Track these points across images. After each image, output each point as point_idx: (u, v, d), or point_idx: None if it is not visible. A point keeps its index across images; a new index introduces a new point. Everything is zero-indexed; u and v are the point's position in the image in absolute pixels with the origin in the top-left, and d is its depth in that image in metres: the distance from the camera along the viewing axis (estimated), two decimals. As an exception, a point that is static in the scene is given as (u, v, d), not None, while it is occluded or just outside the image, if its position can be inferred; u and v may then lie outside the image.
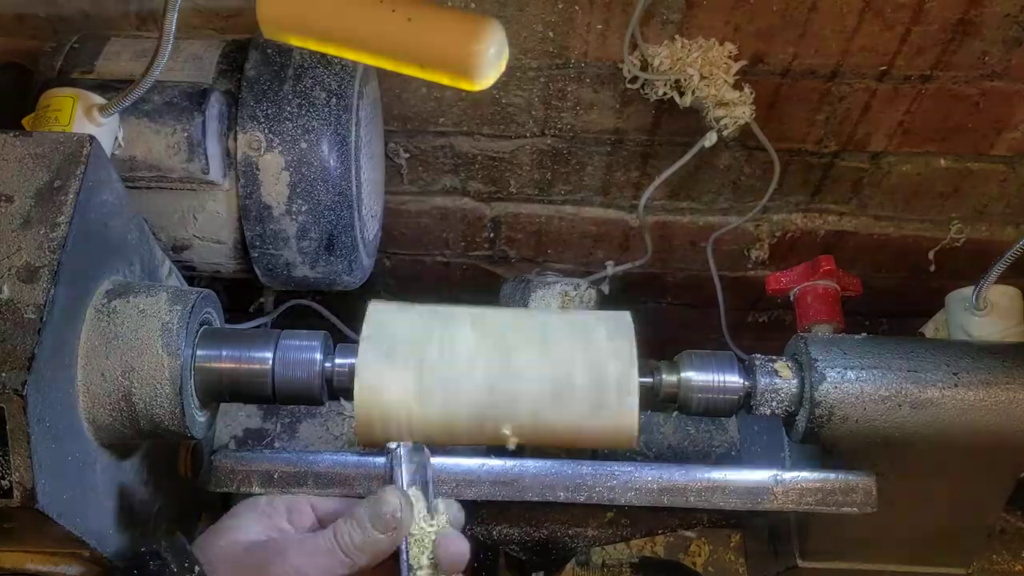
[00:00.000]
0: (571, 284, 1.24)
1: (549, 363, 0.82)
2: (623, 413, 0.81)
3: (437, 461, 0.81)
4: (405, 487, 0.74)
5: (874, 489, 0.83)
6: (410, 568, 0.71)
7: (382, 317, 0.83)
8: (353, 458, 0.81)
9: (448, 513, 0.75)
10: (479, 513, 0.99)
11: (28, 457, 0.68)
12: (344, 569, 0.70)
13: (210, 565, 0.70)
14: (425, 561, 0.72)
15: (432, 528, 0.73)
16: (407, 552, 0.71)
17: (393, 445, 0.77)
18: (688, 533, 1.31)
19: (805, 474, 0.84)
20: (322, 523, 0.77)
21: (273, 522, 0.75)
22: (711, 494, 0.82)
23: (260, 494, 0.82)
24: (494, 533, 0.99)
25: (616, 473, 0.85)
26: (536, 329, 0.86)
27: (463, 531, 0.75)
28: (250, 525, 0.74)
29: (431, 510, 0.74)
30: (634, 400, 0.80)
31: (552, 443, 0.82)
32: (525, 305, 1.22)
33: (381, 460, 0.81)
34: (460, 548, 0.72)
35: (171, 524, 1.00)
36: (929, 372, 0.86)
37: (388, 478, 0.75)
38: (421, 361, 0.81)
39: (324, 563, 0.70)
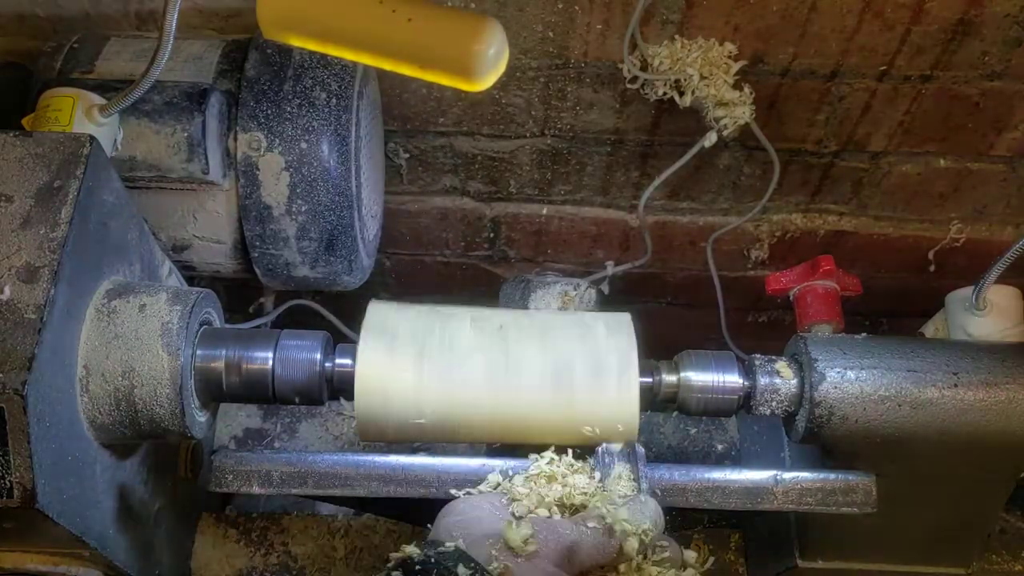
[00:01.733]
0: (571, 284, 1.24)
1: (549, 360, 0.83)
2: (623, 407, 0.81)
3: (437, 461, 0.81)
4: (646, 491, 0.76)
5: (874, 489, 0.83)
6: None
7: (382, 314, 0.84)
8: (353, 458, 0.81)
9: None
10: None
11: (28, 457, 0.68)
12: (606, 558, 0.68)
13: (481, 558, 0.65)
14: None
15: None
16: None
17: (622, 446, 0.80)
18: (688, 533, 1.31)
19: (805, 474, 0.84)
20: None
21: (503, 512, 0.72)
22: (711, 494, 0.82)
23: (260, 494, 0.82)
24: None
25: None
26: (536, 327, 0.86)
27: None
28: (483, 517, 0.71)
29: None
30: (634, 393, 0.81)
31: (552, 440, 0.82)
32: (525, 305, 1.22)
33: (379, 459, 0.81)
34: (674, 550, 0.73)
35: (171, 524, 1.00)
36: (929, 372, 0.86)
37: (637, 476, 0.78)
38: (422, 357, 0.81)
39: (597, 546, 0.68)
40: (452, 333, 0.83)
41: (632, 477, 0.78)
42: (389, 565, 0.64)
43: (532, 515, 0.72)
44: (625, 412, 0.81)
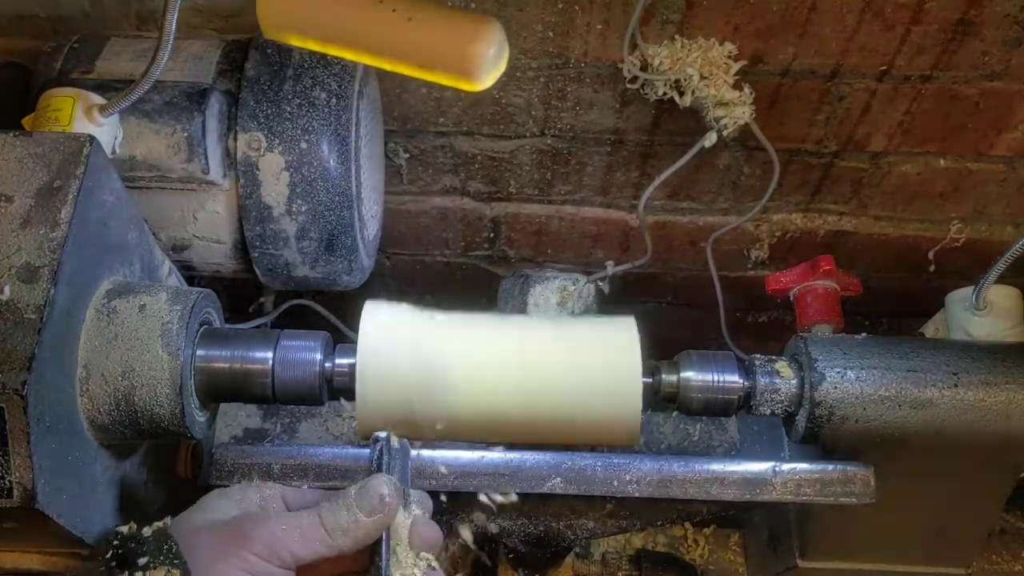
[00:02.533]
0: (570, 279, 1.24)
1: (551, 361, 0.83)
2: (626, 412, 0.81)
3: (438, 453, 0.81)
4: (390, 472, 0.75)
5: (872, 479, 0.84)
6: (392, 554, 0.71)
7: (381, 313, 0.84)
8: (352, 451, 0.81)
9: (421, 503, 0.76)
10: (479, 506, 0.99)
11: (28, 457, 0.68)
12: (325, 549, 0.69)
13: (184, 542, 0.68)
14: (402, 548, 0.72)
15: (408, 518, 0.74)
16: (388, 540, 0.72)
17: (382, 435, 0.77)
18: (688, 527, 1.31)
19: (803, 465, 0.84)
20: None
21: (244, 506, 0.75)
22: (710, 485, 0.82)
23: None
24: (494, 526, 1.00)
25: (615, 465, 0.85)
26: (538, 329, 0.86)
27: (434, 519, 0.76)
28: (221, 504, 0.74)
29: (407, 501, 0.75)
30: (637, 399, 0.81)
31: (553, 440, 0.82)
32: (524, 300, 1.22)
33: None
34: (434, 534, 0.74)
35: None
36: (929, 372, 0.86)
37: (375, 467, 0.76)
38: (422, 356, 0.81)
39: (306, 539, 0.69)
40: (454, 333, 0.84)
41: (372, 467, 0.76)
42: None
43: (251, 509, 0.73)
44: (627, 414, 0.81)
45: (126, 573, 0.66)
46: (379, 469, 0.75)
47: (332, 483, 0.81)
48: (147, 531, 0.69)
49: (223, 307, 0.90)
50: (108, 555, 0.68)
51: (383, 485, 0.72)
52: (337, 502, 0.71)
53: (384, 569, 0.70)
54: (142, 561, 0.66)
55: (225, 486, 0.85)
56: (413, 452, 0.82)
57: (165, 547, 0.67)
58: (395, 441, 0.78)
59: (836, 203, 1.33)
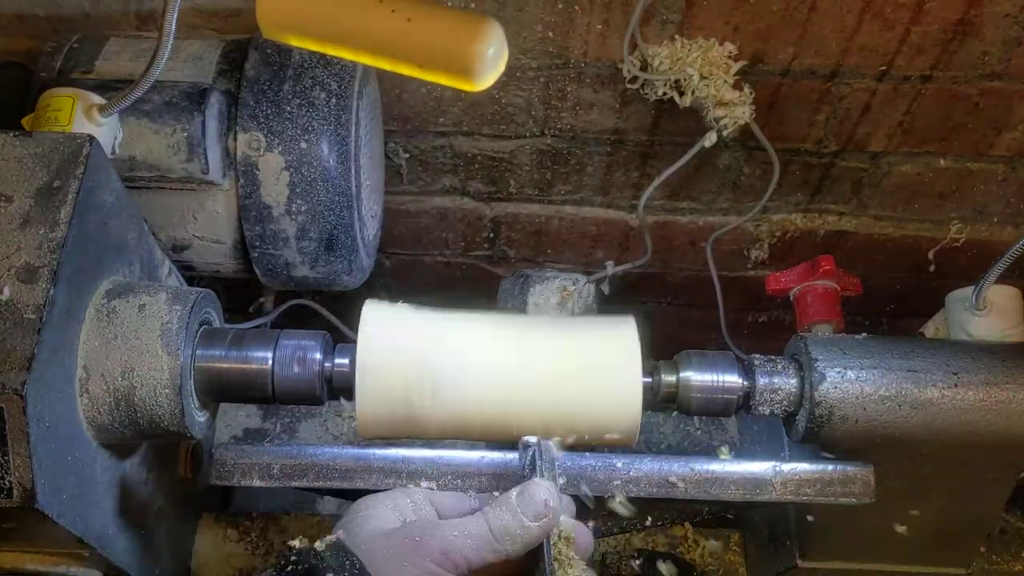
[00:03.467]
0: (570, 279, 1.24)
1: (551, 361, 0.83)
2: (626, 412, 0.81)
3: (436, 453, 0.81)
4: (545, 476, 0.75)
5: (872, 479, 0.83)
6: (555, 560, 0.71)
7: (381, 313, 0.84)
8: (353, 451, 0.81)
9: (567, 507, 0.76)
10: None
11: (28, 457, 0.68)
12: (493, 555, 0.69)
13: (361, 553, 0.68)
14: (565, 553, 0.72)
15: (568, 522, 0.74)
16: (550, 545, 0.72)
17: (532, 439, 0.78)
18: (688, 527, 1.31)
19: (804, 465, 0.84)
20: (442, 518, 0.76)
21: (402, 513, 0.74)
22: (711, 485, 0.82)
23: (262, 487, 0.82)
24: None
25: (616, 465, 0.85)
26: (538, 328, 0.86)
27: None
28: (384, 514, 0.73)
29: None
30: (637, 396, 0.81)
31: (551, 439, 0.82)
32: (524, 300, 1.22)
33: (380, 452, 0.81)
34: (589, 538, 0.74)
35: (171, 524, 1.00)
36: (929, 372, 0.86)
37: (528, 471, 0.76)
38: (423, 355, 0.81)
39: (477, 544, 0.69)
40: (453, 332, 0.84)
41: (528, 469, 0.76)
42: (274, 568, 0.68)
43: (422, 517, 0.73)
44: (627, 414, 0.81)
45: None
46: (531, 474, 0.75)
47: (333, 483, 0.81)
48: (320, 546, 0.68)
49: (223, 307, 0.90)
50: (289, 571, 0.66)
51: (544, 490, 0.72)
52: (501, 507, 0.71)
53: (548, 574, 0.70)
54: (328, 575, 0.65)
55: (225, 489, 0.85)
56: (414, 452, 0.82)
57: (347, 562, 0.66)
58: (544, 444, 0.77)
59: (836, 203, 1.33)
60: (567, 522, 0.73)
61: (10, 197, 0.75)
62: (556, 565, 0.71)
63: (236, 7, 1.09)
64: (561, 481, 0.77)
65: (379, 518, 0.72)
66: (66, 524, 0.73)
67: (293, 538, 1.08)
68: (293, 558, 0.67)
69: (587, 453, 0.83)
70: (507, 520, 0.70)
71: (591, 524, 0.79)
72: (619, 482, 0.82)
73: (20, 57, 1.10)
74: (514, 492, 0.72)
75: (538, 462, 0.75)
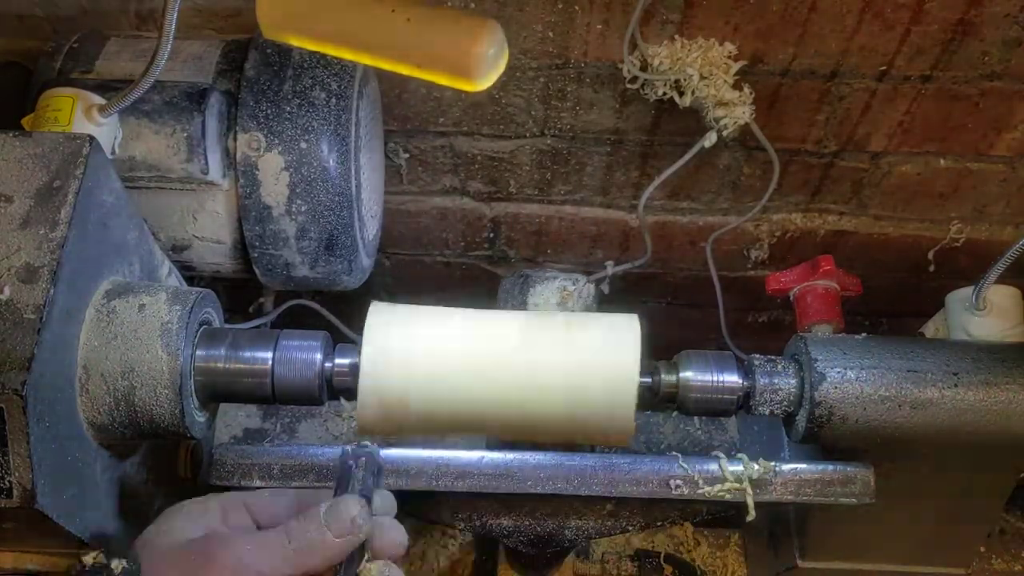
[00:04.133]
0: (570, 279, 1.24)
1: (552, 361, 0.83)
2: (620, 412, 0.81)
3: (438, 454, 0.81)
4: (359, 490, 0.73)
5: (872, 480, 0.84)
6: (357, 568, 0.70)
7: (386, 313, 0.84)
8: (352, 451, 0.81)
9: (382, 503, 0.74)
10: (478, 506, 0.99)
11: (27, 457, 0.68)
12: (292, 568, 0.68)
13: (149, 565, 0.67)
14: (367, 558, 0.71)
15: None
16: (355, 559, 0.70)
17: (349, 447, 0.76)
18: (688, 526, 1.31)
19: (804, 465, 0.84)
20: (258, 524, 0.74)
21: (206, 522, 0.73)
22: (708, 485, 0.82)
23: (262, 487, 0.82)
24: (493, 526, 1.00)
25: (616, 465, 0.85)
26: (538, 325, 0.86)
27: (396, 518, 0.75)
28: (185, 525, 0.72)
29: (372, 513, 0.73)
30: (631, 399, 0.81)
31: (550, 438, 0.82)
32: (524, 300, 1.22)
33: (382, 453, 0.81)
34: (399, 537, 0.72)
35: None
36: (929, 372, 0.86)
37: (343, 479, 0.74)
38: (426, 354, 0.81)
39: (273, 559, 0.67)
40: (454, 332, 0.84)
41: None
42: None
43: (219, 529, 0.72)
44: (622, 414, 0.81)
45: None
46: (347, 483, 0.73)
47: (332, 484, 0.81)
48: (116, 565, 0.68)
49: (223, 307, 0.90)
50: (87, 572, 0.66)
51: (355, 507, 0.70)
52: (306, 521, 0.69)
53: None
54: None
55: (219, 488, 0.84)
56: (414, 452, 0.82)
57: None
58: (361, 453, 0.76)
59: (836, 203, 1.33)
60: (381, 521, 0.72)
61: (10, 197, 0.75)
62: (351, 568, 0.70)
63: (236, 7, 1.09)
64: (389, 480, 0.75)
65: (178, 530, 0.71)
66: (66, 524, 0.73)
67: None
68: (86, 563, 0.67)
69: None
70: (311, 535, 0.68)
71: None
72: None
73: (20, 57, 1.10)
74: (323, 506, 0.70)
75: (353, 474, 0.73)
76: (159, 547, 0.70)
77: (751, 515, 0.80)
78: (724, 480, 0.80)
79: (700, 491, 0.85)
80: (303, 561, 0.68)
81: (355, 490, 0.72)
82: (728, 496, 0.83)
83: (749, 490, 0.79)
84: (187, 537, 0.70)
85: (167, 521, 0.73)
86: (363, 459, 0.75)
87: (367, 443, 0.77)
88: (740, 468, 0.80)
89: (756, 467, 0.80)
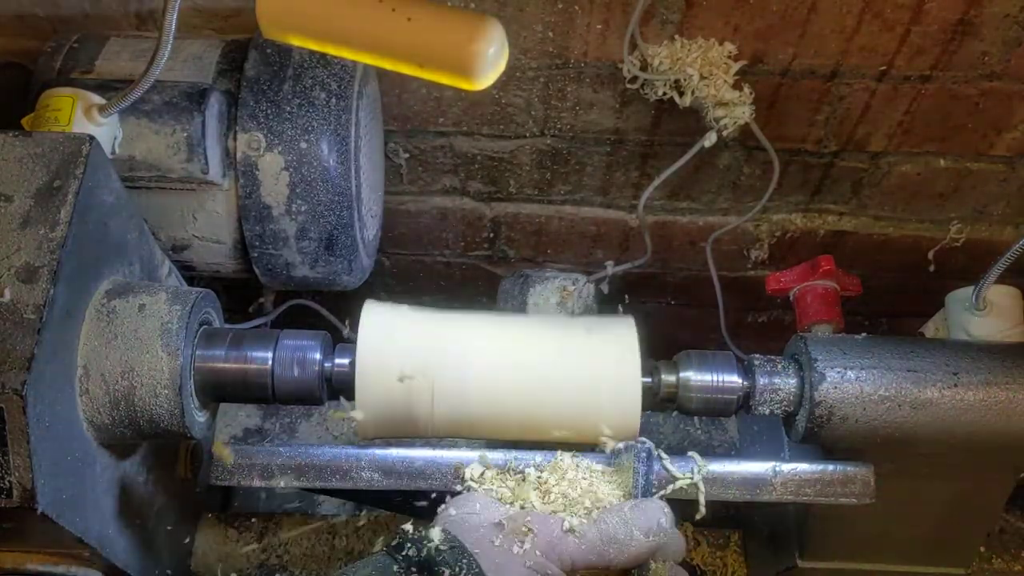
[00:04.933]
0: (569, 279, 1.24)
1: (550, 361, 0.83)
2: (625, 412, 0.81)
3: (436, 453, 0.81)
4: (641, 487, 0.75)
5: (872, 479, 0.83)
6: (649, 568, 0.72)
7: (380, 311, 0.84)
8: (353, 451, 0.81)
9: (669, 515, 0.75)
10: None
11: (27, 457, 0.68)
12: (597, 559, 0.69)
13: (470, 545, 0.67)
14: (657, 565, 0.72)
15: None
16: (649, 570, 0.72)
17: (633, 443, 0.78)
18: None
19: (804, 465, 0.84)
20: None
21: (504, 507, 0.74)
22: (710, 485, 0.82)
23: (262, 487, 0.82)
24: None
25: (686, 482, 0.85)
26: (538, 329, 0.86)
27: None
28: (486, 508, 0.73)
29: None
30: (636, 397, 0.81)
31: (552, 438, 0.82)
32: (524, 300, 1.22)
33: (379, 452, 0.81)
34: (681, 541, 0.74)
35: (171, 524, 1.00)
36: (929, 372, 0.86)
37: (642, 482, 0.76)
38: (424, 353, 0.81)
39: (583, 545, 0.69)
40: (453, 333, 0.84)
41: (629, 479, 0.77)
42: (385, 547, 0.67)
43: (525, 509, 0.73)
44: (627, 415, 0.82)
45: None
46: (646, 485, 0.76)
47: (332, 483, 0.81)
48: (437, 537, 0.67)
49: (223, 307, 0.90)
50: (405, 555, 0.66)
51: (661, 512, 0.72)
52: (613, 515, 0.71)
53: None
54: (447, 572, 0.65)
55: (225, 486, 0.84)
56: (414, 448, 0.82)
57: (464, 561, 0.65)
58: (645, 450, 0.78)
59: (836, 203, 1.33)
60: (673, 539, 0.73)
61: (10, 197, 0.75)
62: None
63: (236, 7, 1.09)
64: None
65: (485, 509, 0.72)
66: (66, 524, 0.73)
67: (292, 538, 1.08)
68: (409, 544, 0.66)
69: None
70: (617, 528, 0.70)
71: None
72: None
73: (20, 57, 1.10)
74: (628, 504, 0.73)
75: (639, 478, 0.76)
76: (472, 523, 0.70)
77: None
78: (675, 479, 0.80)
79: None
80: (608, 555, 0.70)
81: (649, 490, 0.75)
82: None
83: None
84: (493, 516, 0.71)
85: (468, 503, 0.73)
86: (643, 454, 0.77)
87: (644, 439, 0.79)
88: (693, 466, 0.81)
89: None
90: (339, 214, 1.05)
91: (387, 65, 0.75)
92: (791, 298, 1.17)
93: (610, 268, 1.38)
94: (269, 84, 1.01)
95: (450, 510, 0.72)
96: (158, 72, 0.86)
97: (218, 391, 0.83)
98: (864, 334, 0.92)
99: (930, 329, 1.10)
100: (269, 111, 1.00)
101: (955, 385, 0.86)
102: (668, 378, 0.85)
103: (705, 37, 1.08)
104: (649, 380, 0.85)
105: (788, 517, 1.04)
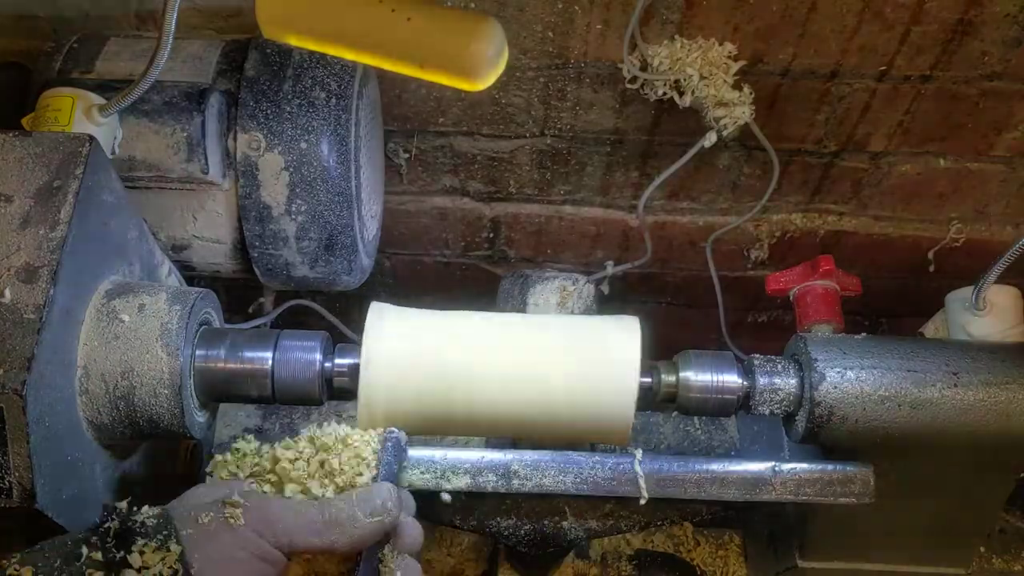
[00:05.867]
0: (569, 279, 1.24)
1: (550, 360, 0.83)
2: (619, 410, 0.81)
3: (439, 452, 0.82)
4: (383, 475, 0.75)
5: (872, 479, 0.84)
6: (378, 556, 0.72)
7: (386, 312, 0.84)
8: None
9: (404, 503, 0.76)
10: (479, 506, 0.99)
11: (27, 457, 0.68)
12: (318, 540, 0.69)
13: (181, 519, 0.68)
14: (389, 553, 0.73)
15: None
16: (376, 549, 0.72)
17: (393, 431, 0.78)
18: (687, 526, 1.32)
19: (803, 465, 0.84)
20: None
21: (232, 488, 0.73)
22: (710, 485, 0.82)
23: None
24: (494, 525, 1.00)
25: (615, 465, 0.85)
26: (539, 328, 0.86)
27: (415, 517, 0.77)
28: (209, 491, 0.72)
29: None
30: (631, 397, 0.81)
31: (549, 437, 0.82)
32: (524, 299, 1.22)
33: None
34: (416, 533, 0.75)
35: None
36: (929, 372, 0.86)
37: (379, 462, 0.76)
38: (423, 356, 0.81)
39: (301, 524, 0.69)
40: (454, 333, 0.84)
41: (374, 461, 0.76)
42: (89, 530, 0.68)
43: (251, 491, 0.73)
44: (620, 414, 0.82)
45: (122, 552, 0.65)
46: (385, 468, 0.76)
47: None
48: (147, 511, 0.68)
49: (223, 307, 0.90)
50: (103, 529, 0.66)
51: (387, 492, 0.72)
52: (339, 499, 0.72)
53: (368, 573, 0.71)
54: (141, 541, 0.65)
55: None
56: (418, 452, 0.82)
57: (164, 533, 0.66)
58: (394, 439, 0.78)
59: (836, 203, 1.33)
60: (402, 520, 0.74)
61: (10, 197, 0.75)
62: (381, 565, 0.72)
63: (236, 7, 1.09)
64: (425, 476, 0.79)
65: (209, 493, 0.71)
66: (66, 524, 0.73)
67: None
68: (114, 518, 0.67)
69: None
70: (341, 510, 0.70)
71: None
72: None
73: (20, 57, 1.10)
74: (357, 491, 0.73)
75: (384, 456, 0.76)
76: (190, 503, 0.70)
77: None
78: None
79: (700, 491, 0.85)
80: (331, 536, 0.69)
81: (381, 475, 0.75)
82: (729, 496, 0.83)
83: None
84: (214, 495, 0.71)
85: (192, 489, 0.73)
86: (390, 443, 0.77)
87: (394, 429, 0.79)
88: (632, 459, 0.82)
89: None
90: (339, 214, 1.05)
91: (387, 65, 0.75)
92: (791, 298, 1.17)
93: (610, 268, 1.38)
94: (269, 84, 1.01)
95: (175, 499, 0.72)
96: (158, 72, 0.86)
97: (218, 391, 0.83)
98: (864, 334, 0.92)
99: (930, 329, 1.10)
100: (269, 111, 1.00)
101: (955, 385, 0.86)
102: (668, 378, 0.85)
103: (705, 37, 1.08)
104: (649, 380, 0.85)
105: (788, 517, 1.04)
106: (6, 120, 0.95)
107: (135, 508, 0.69)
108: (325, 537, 0.70)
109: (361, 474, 0.74)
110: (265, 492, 0.74)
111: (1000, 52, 1.07)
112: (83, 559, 0.64)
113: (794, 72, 1.12)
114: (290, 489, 0.73)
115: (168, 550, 0.65)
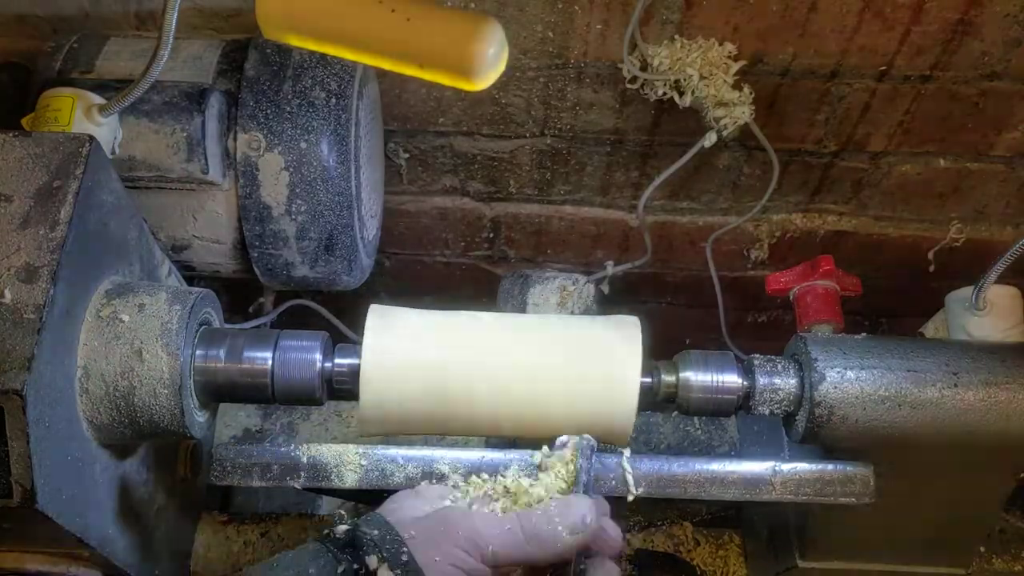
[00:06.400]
0: (569, 279, 1.24)
1: (551, 360, 0.83)
2: (621, 409, 0.81)
3: (437, 452, 0.81)
4: (584, 483, 0.75)
5: (872, 479, 0.83)
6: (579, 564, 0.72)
7: (386, 312, 0.84)
8: (351, 450, 0.81)
9: (604, 508, 0.75)
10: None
11: (27, 457, 0.68)
12: (520, 554, 0.70)
13: (402, 529, 0.69)
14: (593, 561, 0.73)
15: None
16: (579, 560, 0.72)
17: (577, 439, 0.78)
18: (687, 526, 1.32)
19: (803, 465, 0.84)
20: None
21: (435, 503, 0.74)
22: (709, 485, 0.82)
23: (262, 487, 0.82)
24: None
25: (609, 463, 0.85)
26: (540, 328, 0.86)
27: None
28: (421, 504, 0.74)
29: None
30: (633, 398, 0.81)
31: (549, 437, 0.82)
32: (524, 299, 1.22)
33: (379, 451, 0.81)
34: (616, 535, 0.74)
35: (171, 524, 1.00)
36: (929, 372, 0.86)
37: (576, 477, 0.76)
38: (423, 356, 0.81)
39: (506, 539, 0.69)
40: (455, 333, 0.84)
41: (566, 474, 0.76)
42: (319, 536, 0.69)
43: (453, 504, 0.73)
44: (622, 414, 0.82)
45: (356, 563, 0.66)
46: (587, 481, 0.75)
47: (332, 483, 0.81)
48: (366, 520, 0.70)
49: (223, 307, 0.90)
50: (333, 539, 0.67)
51: (587, 507, 0.72)
52: (538, 512, 0.72)
53: None
54: (373, 556, 0.66)
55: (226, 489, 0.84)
56: (413, 451, 0.82)
57: (389, 536, 0.67)
58: (586, 445, 0.77)
59: (836, 203, 1.33)
60: (602, 523, 0.73)
61: (10, 197, 0.75)
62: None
63: (236, 7, 1.09)
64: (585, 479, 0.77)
65: (415, 508, 0.73)
66: (66, 524, 0.73)
67: (292, 538, 1.08)
68: (340, 530, 0.68)
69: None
70: (541, 525, 0.70)
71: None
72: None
73: (20, 57, 1.10)
74: (555, 501, 0.73)
75: (581, 474, 0.75)
76: (402, 519, 0.70)
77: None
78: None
79: (700, 491, 0.85)
80: (532, 551, 0.70)
81: (581, 485, 0.75)
82: (729, 496, 0.83)
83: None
84: (421, 511, 0.72)
85: (400, 501, 0.74)
86: (588, 451, 0.76)
87: (587, 435, 0.78)
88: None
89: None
90: (339, 214, 1.05)
91: (387, 65, 0.75)
92: (791, 298, 1.17)
93: (610, 268, 1.38)
94: (269, 84, 1.01)
95: (389, 503, 0.73)
96: (158, 72, 0.86)
97: (218, 391, 0.83)
98: (864, 334, 0.92)
99: (930, 329, 1.10)
100: (269, 111, 1.00)
101: (955, 385, 0.86)
102: (668, 378, 0.85)
103: (705, 37, 1.08)
104: (649, 380, 0.85)
105: (788, 517, 1.04)
106: (6, 120, 0.95)
107: (354, 519, 0.70)
108: (528, 553, 0.70)
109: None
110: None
111: (1000, 52, 1.07)
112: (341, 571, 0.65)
113: (794, 72, 1.12)
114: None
115: (403, 562, 0.66)
